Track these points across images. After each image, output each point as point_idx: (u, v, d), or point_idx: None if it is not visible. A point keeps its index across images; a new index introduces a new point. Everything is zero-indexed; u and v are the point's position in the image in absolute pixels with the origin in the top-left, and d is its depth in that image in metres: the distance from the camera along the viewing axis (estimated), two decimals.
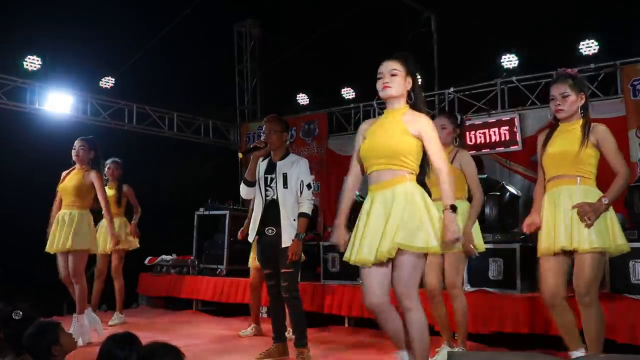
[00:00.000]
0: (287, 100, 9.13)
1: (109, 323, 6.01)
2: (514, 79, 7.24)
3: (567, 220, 3.16)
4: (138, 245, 6.41)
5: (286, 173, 4.21)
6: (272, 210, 4.21)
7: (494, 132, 7.31)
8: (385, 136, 2.95)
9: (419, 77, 3.06)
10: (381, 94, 3.00)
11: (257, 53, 10.02)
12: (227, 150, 9.53)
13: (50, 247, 4.98)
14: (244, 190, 4.35)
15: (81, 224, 4.94)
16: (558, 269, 3.25)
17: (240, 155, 4.40)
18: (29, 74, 7.19)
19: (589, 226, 3.11)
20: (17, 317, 2.82)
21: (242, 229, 5.51)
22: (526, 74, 7.19)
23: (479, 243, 4.07)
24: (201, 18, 8.09)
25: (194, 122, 9.22)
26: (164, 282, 7.49)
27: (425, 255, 2.91)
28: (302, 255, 5.83)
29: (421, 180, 3.02)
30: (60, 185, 5.09)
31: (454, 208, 2.84)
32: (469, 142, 7.22)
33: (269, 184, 4.25)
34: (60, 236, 4.92)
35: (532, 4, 6.99)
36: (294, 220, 4.17)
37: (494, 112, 7.40)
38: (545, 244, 3.23)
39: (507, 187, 5.76)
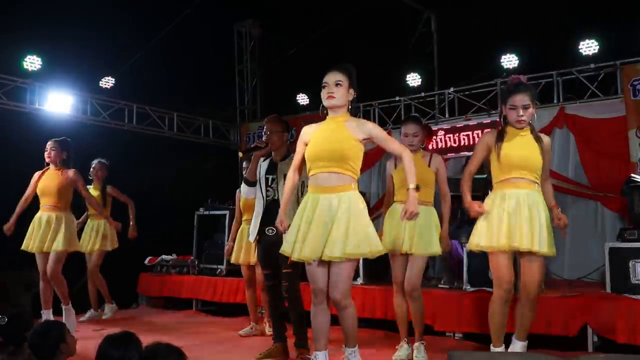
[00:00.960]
0: (287, 100, 9.12)
1: (103, 317, 6.11)
2: None
3: (528, 223, 3.39)
4: (117, 245, 6.40)
5: (287, 173, 4.20)
6: (273, 210, 4.19)
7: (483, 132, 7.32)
8: (331, 141, 3.18)
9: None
10: (325, 103, 3.26)
11: (257, 53, 10.02)
12: (227, 150, 9.53)
13: (29, 246, 5.08)
14: (245, 190, 4.37)
15: (60, 224, 5.04)
16: (511, 265, 3.52)
17: (240, 154, 4.42)
18: (29, 74, 7.19)
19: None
20: (2, 322, 2.83)
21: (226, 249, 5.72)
22: (526, 74, 7.17)
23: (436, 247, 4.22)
24: (201, 18, 8.09)
25: (194, 122, 9.22)
26: (164, 282, 7.49)
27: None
28: None
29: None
30: (38, 186, 5.12)
31: (417, 188, 3.14)
32: (468, 142, 7.25)
33: (269, 184, 4.26)
34: (38, 237, 5.01)
35: (532, 4, 6.99)
36: None
37: (494, 112, 7.40)
38: (505, 241, 3.41)
39: None
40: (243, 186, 4.37)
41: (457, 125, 7.47)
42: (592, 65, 6.62)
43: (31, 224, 5.12)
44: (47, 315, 5.11)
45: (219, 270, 7.23)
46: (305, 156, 3.28)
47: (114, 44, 7.47)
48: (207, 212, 7.89)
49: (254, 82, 10.05)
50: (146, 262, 7.72)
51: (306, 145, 3.30)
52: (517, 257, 3.59)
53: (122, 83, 8.06)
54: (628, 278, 4.44)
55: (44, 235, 5.00)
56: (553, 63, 6.91)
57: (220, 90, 9.68)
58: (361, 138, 3.17)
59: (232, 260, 5.54)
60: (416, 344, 4.21)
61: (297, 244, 3.17)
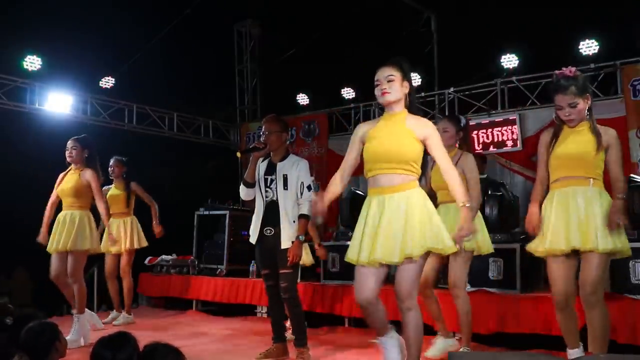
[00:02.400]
0: (287, 100, 9.13)
1: (114, 323, 6.01)
2: (514, 79, 7.25)
3: (579, 221, 3.17)
4: (146, 244, 6.32)
5: (286, 174, 4.18)
6: (271, 211, 4.19)
7: (494, 132, 7.32)
8: (393, 141, 2.99)
9: (413, 80, 3.16)
10: (380, 100, 3.08)
11: (257, 53, 10.03)
12: (227, 150, 9.53)
13: (50, 247, 4.97)
14: (244, 191, 4.32)
15: (81, 224, 4.94)
16: (568, 271, 3.27)
17: (238, 155, 4.37)
18: (29, 74, 7.19)
19: (618, 226, 3.13)
20: (9, 322, 2.81)
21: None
22: (526, 74, 7.19)
23: (488, 245, 4.11)
24: (201, 18, 8.10)
25: (194, 122, 9.22)
26: (164, 282, 7.49)
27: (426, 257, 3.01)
28: (311, 258, 5.80)
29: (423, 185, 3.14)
30: (58, 188, 5.08)
31: (468, 204, 2.96)
32: None
33: (268, 185, 4.22)
34: (60, 236, 4.92)
35: (532, 4, 6.99)
36: (294, 221, 4.15)
37: (494, 112, 7.40)
38: (554, 244, 3.21)
39: (507, 187, 5.76)
40: (242, 187, 4.32)
41: None
42: (592, 65, 6.62)
43: (54, 225, 5.02)
44: (77, 317, 4.97)
45: (219, 270, 7.23)
46: (364, 156, 3.08)
47: (114, 44, 7.47)
48: (207, 212, 7.88)
49: (254, 82, 10.06)
50: (146, 262, 7.71)
51: (363, 144, 3.12)
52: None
53: (122, 83, 8.07)
54: (628, 278, 4.43)
55: (60, 234, 4.92)
56: (553, 63, 6.89)
57: (220, 90, 9.68)
58: (421, 138, 3.00)
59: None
60: (462, 347, 4.05)
61: (364, 248, 2.96)
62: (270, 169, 4.24)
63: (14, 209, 6.44)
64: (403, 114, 3.06)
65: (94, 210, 5.19)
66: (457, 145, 4.15)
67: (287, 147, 4.36)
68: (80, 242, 4.90)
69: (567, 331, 3.33)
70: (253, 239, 4.31)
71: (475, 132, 7.32)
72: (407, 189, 2.96)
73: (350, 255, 3.04)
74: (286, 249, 4.11)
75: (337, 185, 3.20)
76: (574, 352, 3.33)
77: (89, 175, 4.99)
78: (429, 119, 8.31)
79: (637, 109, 6.17)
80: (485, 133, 7.32)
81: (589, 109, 3.30)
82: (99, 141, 5.33)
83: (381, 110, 3.55)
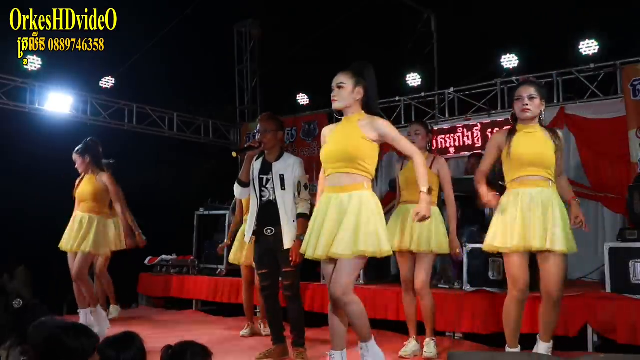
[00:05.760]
0: (287, 100, 9.13)
1: (108, 317, 6.07)
2: (514, 79, 7.23)
3: (542, 222, 3.35)
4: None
5: (283, 175, 4.16)
6: (269, 211, 4.17)
7: (494, 132, 7.31)
8: (342, 141, 3.17)
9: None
10: (332, 106, 3.28)
11: (257, 53, 10.02)
12: (227, 150, 9.48)
13: (62, 245, 5.07)
14: (238, 190, 4.31)
15: (93, 228, 5.02)
16: (526, 265, 3.48)
17: (234, 154, 4.35)
18: (29, 74, 7.19)
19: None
20: (17, 306, 2.81)
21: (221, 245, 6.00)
22: (526, 74, 7.18)
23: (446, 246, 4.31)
24: (201, 18, 8.09)
25: (194, 122, 9.22)
26: (164, 282, 7.49)
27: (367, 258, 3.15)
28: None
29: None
30: (76, 192, 5.13)
31: (429, 191, 3.14)
32: (469, 142, 7.27)
33: (264, 184, 4.20)
34: (75, 237, 5.00)
35: (532, 4, 6.99)
36: (294, 221, 4.16)
37: (494, 112, 7.40)
38: (518, 241, 3.39)
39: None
40: (236, 186, 4.30)
41: (457, 125, 7.47)
42: (592, 65, 6.62)
43: (69, 224, 5.12)
44: (83, 314, 5.11)
45: (219, 270, 7.23)
46: (320, 157, 3.28)
47: (114, 44, 7.46)
48: (207, 212, 7.89)
49: (254, 82, 10.05)
50: (146, 262, 7.71)
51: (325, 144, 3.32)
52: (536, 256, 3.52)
53: (122, 83, 8.06)
54: (628, 278, 4.43)
55: (76, 235, 5.01)
56: (553, 63, 6.91)
57: (220, 90, 9.68)
58: (373, 137, 3.14)
59: (231, 260, 5.54)
60: (427, 339, 4.31)
61: (311, 243, 3.17)
62: (265, 169, 4.23)
63: (14, 209, 6.43)
64: (357, 116, 3.23)
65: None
66: (427, 148, 4.41)
67: (282, 146, 4.36)
68: (92, 244, 4.99)
69: (517, 326, 3.56)
70: (247, 238, 4.30)
71: (476, 132, 7.32)
72: (352, 191, 3.11)
73: (303, 248, 3.28)
74: (289, 249, 4.10)
75: (322, 184, 3.38)
76: (544, 345, 3.55)
77: (105, 178, 5.09)
78: (429, 119, 8.30)
79: (637, 109, 6.16)
80: (486, 133, 7.32)
81: (541, 115, 3.54)
82: (99, 141, 5.32)
83: (382, 110, 3.66)
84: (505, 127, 3.82)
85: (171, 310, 7.32)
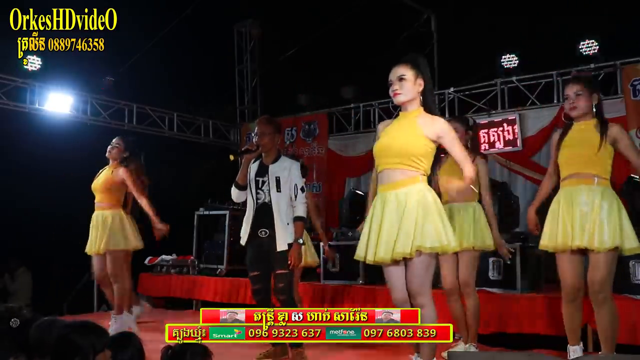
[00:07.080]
0: (287, 100, 9.12)
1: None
2: (514, 79, 7.24)
3: (584, 219, 3.24)
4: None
5: (279, 177, 4.14)
6: (264, 214, 4.15)
7: (494, 132, 7.31)
8: (399, 137, 2.97)
9: (429, 76, 3.15)
10: (394, 100, 3.07)
11: (257, 53, 10.02)
12: (227, 150, 9.50)
13: (90, 249, 5.00)
14: (235, 193, 4.29)
15: (113, 224, 4.94)
16: (576, 266, 3.35)
17: (231, 157, 4.34)
18: (29, 74, 7.19)
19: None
20: (15, 325, 2.81)
21: None
22: (526, 74, 7.19)
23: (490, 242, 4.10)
24: (201, 18, 8.09)
25: (194, 122, 9.22)
26: (164, 282, 7.49)
27: (437, 254, 2.97)
28: (317, 259, 5.79)
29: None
30: (92, 185, 5.08)
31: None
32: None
33: (260, 186, 4.18)
34: (95, 238, 4.94)
35: (531, 4, 6.99)
36: (288, 224, 4.14)
37: (494, 112, 7.40)
38: (562, 240, 3.30)
39: (507, 187, 5.76)
40: (233, 189, 4.29)
41: None
42: (592, 65, 6.61)
43: (90, 226, 5.05)
44: (114, 318, 4.98)
45: (219, 270, 7.23)
46: (373, 152, 3.08)
47: (114, 44, 7.46)
48: (207, 212, 7.88)
49: (254, 82, 10.05)
50: (146, 262, 7.71)
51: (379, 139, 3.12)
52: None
53: (122, 83, 8.06)
54: (628, 278, 4.43)
55: (95, 236, 4.94)
56: (553, 63, 6.91)
57: (220, 90, 9.68)
58: (432, 137, 2.93)
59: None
60: (467, 344, 4.07)
61: (370, 246, 2.95)
62: (262, 171, 4.22)
63: (14, 209, 6.44)
64: (416, 112, 3.04)
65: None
66: (467, 146, 4.09)
67: (279, 149, 4.35)
68: (114, 242, 4.90)
69: (571, 326, 3.42)
70: (243, 241, 4.29)
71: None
72: (408, 185, 2.91)
73: (358, 252, 3.05)
74: (282, 251, 4.09)
75: (374, 185, 3.21)
76: (575, 349, 3.41)
77: (122, 172, 4.98)
78: None
79: (637, 109, 6.16)
80: (486, 133, 7.32)
81: (598, 107, 3.36)
82: (99, 141, 5.33)
83: (382, 110, 3.59)
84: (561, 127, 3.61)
85: (171, 310, 7.31)
